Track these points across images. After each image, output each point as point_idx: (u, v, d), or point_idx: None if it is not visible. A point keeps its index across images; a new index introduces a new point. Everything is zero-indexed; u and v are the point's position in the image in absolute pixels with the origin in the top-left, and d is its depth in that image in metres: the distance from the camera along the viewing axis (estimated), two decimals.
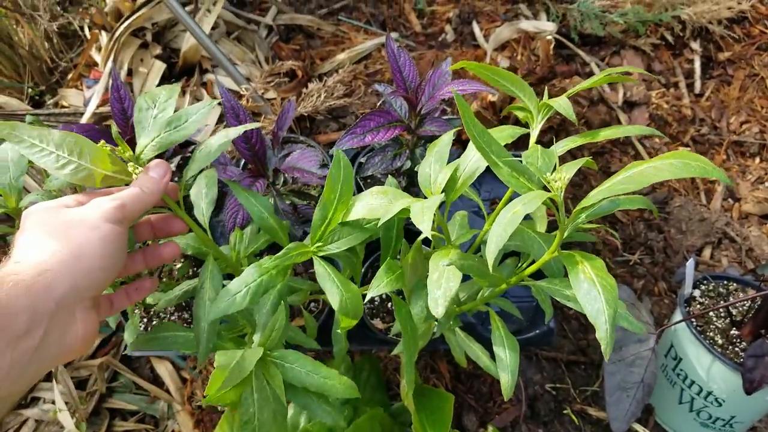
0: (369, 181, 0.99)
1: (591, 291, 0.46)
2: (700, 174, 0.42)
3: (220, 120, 1.17)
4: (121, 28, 1.15)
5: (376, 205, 0.58)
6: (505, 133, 0.60)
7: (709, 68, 1.67)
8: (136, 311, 0.91)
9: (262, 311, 0.58)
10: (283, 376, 0.57)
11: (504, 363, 0.62)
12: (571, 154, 1.34)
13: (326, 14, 1.47)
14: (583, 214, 0.52)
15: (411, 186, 0.90)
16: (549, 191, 0.49)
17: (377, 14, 1.51)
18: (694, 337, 0.95)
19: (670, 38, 1.64)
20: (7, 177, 0.69)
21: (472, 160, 0.59)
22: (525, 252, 0.77)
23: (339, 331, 0.59)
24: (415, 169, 0.84)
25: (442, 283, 0.54)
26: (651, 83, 1.61)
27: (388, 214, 0.54)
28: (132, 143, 0.85)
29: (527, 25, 1.43)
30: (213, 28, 1.26)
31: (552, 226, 0.75)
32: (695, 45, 1.67)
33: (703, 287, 1.06)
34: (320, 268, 0.57)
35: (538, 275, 0.63)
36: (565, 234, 0.54)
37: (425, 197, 0.59)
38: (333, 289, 0.55)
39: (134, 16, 1.16)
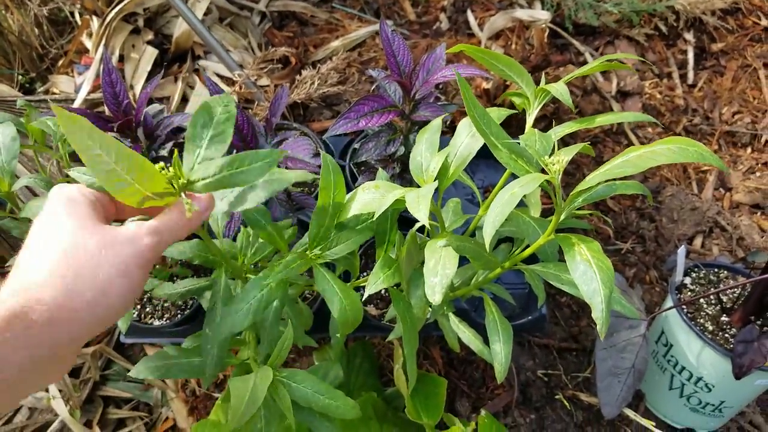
0: (362, 168, 0.99)
1: (587, 272, 0.47)
2: (697, 159, 0.43)
3: None
4: (112, 13, 1.14)
5: (369, 199, 0.58)
6: (492, 115, 0.60)
7: (702, 59, 1.68)
8: None
9: (266, 322, 0.58)
10: (290, 395, 0.57)
11: (498, 346, 0.63)
12: (564, 143, 1.34)
13: (320, 1, 1.46)
14: (579, 197, 0.53)
15: (405, 172, 0.90)
16: (546, 174, 0.49)
17: (371, 2, 1.50)
18: (685, 323, 0.96)
19: (663, 28, 1.64)
20: None
21: (463, 145, 0.59)
22: (519, 238, 0.77)
23: (338, 335, 0.59)
24: (411, 155, 0.84)
25: (439, 270, 0.54)
26: (644, 73, 1.62)
27: (382, 207, 0.54)
28: (125, 127, 0.85)
29: (522, 13, 1.43)
30: (205, 14, 1.24)
31: (545, 213, 0.75)
32: (689, 36, 1.67)
33: (693, 275, 1.07)
34: (320, 276, 0.56)
35: (532, 260, 0.64)
36: (561, 217, 0.54)
37: (418, 185, 0.59)
38: (333, 297, 0.55)
39: (126, 1, 1.14)
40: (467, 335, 0.76)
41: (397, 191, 0.56)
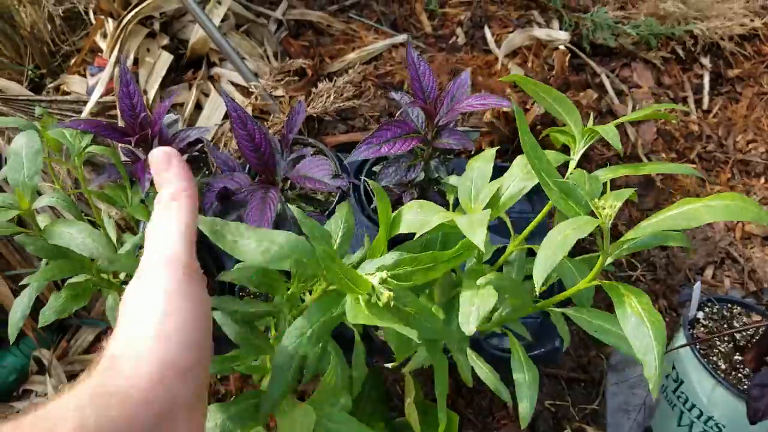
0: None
1: (640, 327, 0.45)
2: (753, 218, 0.42)
3: (227, 115, 1.15)
4: (129, 16, 1.12)
5: (413, 220, 0.56)
6: (551, 156, 0.59)
7: (717, 84, 1.67)
8: None
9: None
10: None
11: (523, 389, 0.61)
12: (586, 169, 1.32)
13: (337, 11, 1.45)
14: (625, 244, 0.52)
15: (423, 197, 0.88)
16: (596, 218, 0.48)
17: (388, 13, 1.49)
18: (697, 361, 0.94)
19: (681, 52, 1.63)
20: (21, 174, 0.65)
21: (517, 179, 0.57)
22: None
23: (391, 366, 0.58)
24: (438, 178, 0.82)
25: (476, 301, 0.52)
26: (660, 97, 1.60)
27: (425, 228, 0.53)
28: (141, 142, 0.83)
29: (540, 32, 1.41)
30: (222, 20, 1.23)
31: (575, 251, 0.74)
32: (705, 60, 1.66)
33: (707, 309, 1.06)
34: None
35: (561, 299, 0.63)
36: (606, 263, 0.53)
37: (463, 211, 0.58)
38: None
39: (143, 5, 1.13)
40: (483, 371, 0.75)
41: (441, 213, 0.55)
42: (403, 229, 0.58)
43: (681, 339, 1.00)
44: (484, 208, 0.56)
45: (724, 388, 0.91)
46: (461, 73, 0.81)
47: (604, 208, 0.49)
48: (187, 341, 0.33)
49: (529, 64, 1.45)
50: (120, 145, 0.86)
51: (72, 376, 1.15)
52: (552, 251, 0.46)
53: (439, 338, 0.54)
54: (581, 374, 1.11)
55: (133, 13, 1.12)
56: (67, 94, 1.32)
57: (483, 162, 0.59)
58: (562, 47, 1.41)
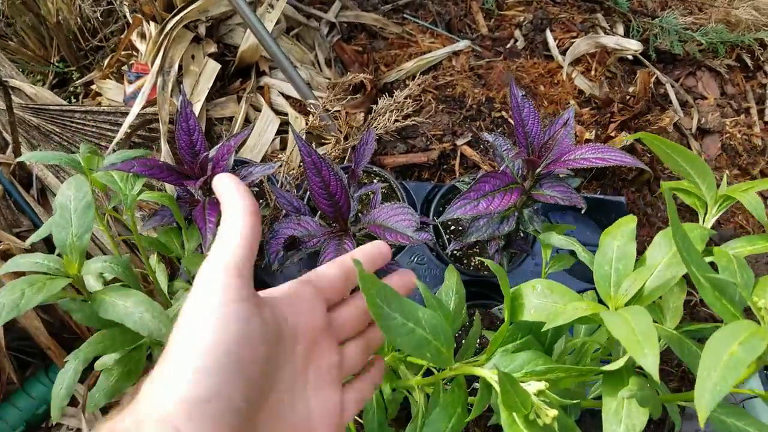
0: (452, 230, 0.89)
1: None
2: None
3: (279, 131, 1.06)
4: (174, 20, 1.01)
5: (540, 305, 0.48)
6: (695, 233, 0.51)
7: None
8: None
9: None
10: None
11: None
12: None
13: (390, 10, 1.34)
14: None
15: (508, 246, 0.80)
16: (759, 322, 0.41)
17: (443, 13, 1.38)
18: None
19: (748, 60, 1.52)
20: (68, 234, 0.56)
21: (662, 265, 0.49)
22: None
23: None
24: (534, 231, 0.74)
25: (623, 418, 0.45)
26: (724, 108, 1.51)
27: (559, 319, 0.45)
28: (203, 185, 0.75)
29: (608, 40, 1.31)
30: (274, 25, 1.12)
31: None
32: None
33: None
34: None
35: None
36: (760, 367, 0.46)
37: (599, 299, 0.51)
38: None
39: (189, 9, 1.02)
40: None
41: (579, 304, 0.47)
42: (527, 315, 0.50)
43: (755, 381, 0.94)
44: (627, 303, 0.48)
45: None
46: (564, 112, 0.72)
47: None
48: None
49: (593, 72, 1.35)
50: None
51: (105, 410, 1.08)
52: (721, 376, 0.38)
53: None
54: None
55: (178, 17, 1.02)
56: (99, 95, 1.23)
57: (624, 240, 0.50)
58: (629, 57, 1.32)
